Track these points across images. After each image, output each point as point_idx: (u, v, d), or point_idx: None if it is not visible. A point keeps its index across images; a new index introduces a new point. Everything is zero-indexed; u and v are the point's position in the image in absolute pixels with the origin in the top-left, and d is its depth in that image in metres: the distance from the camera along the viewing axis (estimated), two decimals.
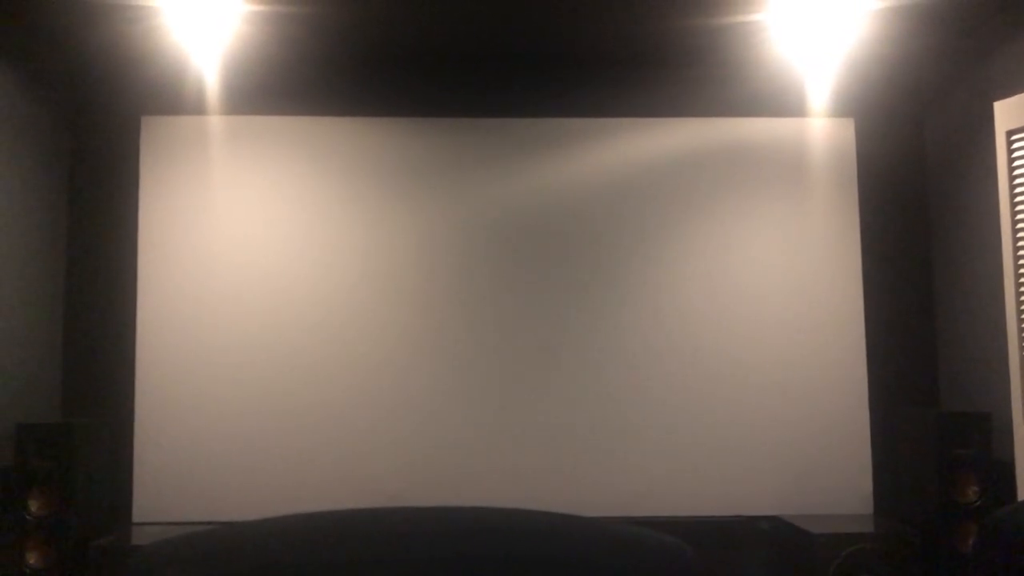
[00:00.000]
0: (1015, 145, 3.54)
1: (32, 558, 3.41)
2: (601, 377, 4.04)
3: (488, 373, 4.03)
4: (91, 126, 4.10)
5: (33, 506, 3.43)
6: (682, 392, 4.04)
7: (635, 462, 4.00)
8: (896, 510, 3.93)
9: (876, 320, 4.12)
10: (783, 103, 4.16)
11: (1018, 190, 3.52)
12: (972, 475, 3.57)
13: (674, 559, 0.94)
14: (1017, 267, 3.51)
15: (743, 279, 4.10)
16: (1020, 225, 3.51)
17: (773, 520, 3.90)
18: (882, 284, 4.15)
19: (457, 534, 0.92)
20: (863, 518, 3.90)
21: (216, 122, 4.09)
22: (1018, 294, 3.50)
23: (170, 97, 4.04)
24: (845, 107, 4.19)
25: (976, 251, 3.80)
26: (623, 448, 4.00)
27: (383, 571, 0.87)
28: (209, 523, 3.75)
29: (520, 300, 4.07)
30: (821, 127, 4.18)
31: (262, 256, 4.03)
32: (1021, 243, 3.51)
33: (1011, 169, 3.56)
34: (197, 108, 4.06)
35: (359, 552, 0.89)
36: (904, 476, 3.90)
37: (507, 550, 0.91)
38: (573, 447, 3.99)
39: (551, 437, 4.00)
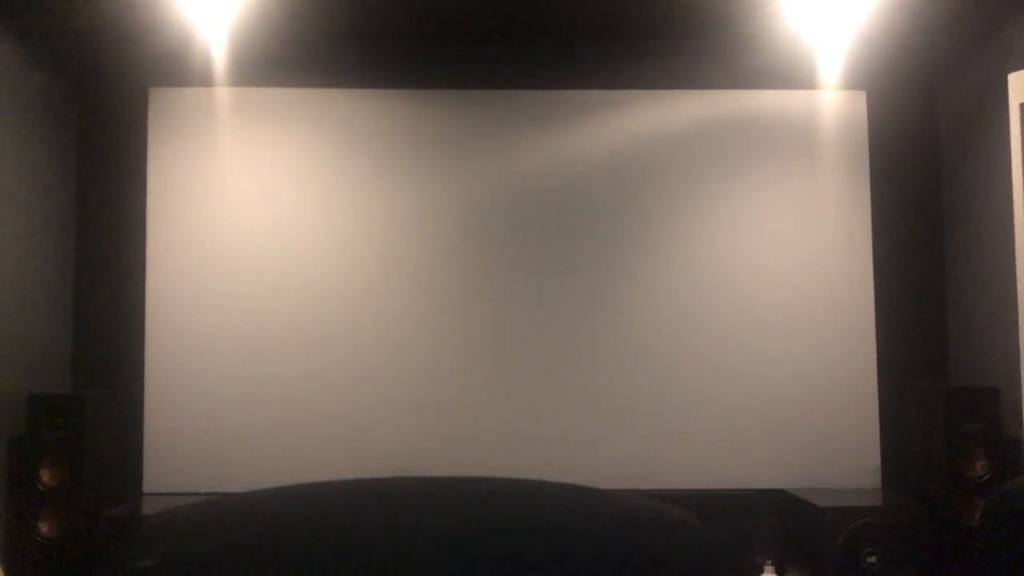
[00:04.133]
0: None
1: (44, 527, 3.45)
2: (609, 350, 4.03)
3: (496, 347, 4.03)
4: (99, 98, 4.09)
5: (44, 476, 3.46)
6: (691, 366, 4.04)
7: (644, 435, 4.00)
8: (904, 484, 3.93)
9: (886, 293, 4.10)
10: (794, 75, 4.12)
11: None
12: (980, 450, 3.57)
13: (683, 530, 0.94)
14: None
15: (752, 252, 4.08)
16: None
17: (781, 494, 3.91)
18: (892, 257, 4.12)
19: (465, 505, 0.93)
20: (871, 492, 3.90)
21: (224, 94, 4.07)
22: None
23: (178, 69, 4.02)
24: (857, 79, 4.14)
25: (988, 225, 3.77)
26: (632, 421, 4.01)
27: (392, 540, 0.87)
28: (219, 494, 3.78)
29: (528, 273, 4.06)
30: (832, 99, 4.14)
31: (270, 228, 4.03)
32: None
33: None
34: (205, 80, 4.05)
35: (367, 521, 0.89)
36: (912, 450, 3.90)
37: (516, 521, 0.91)
38: (582, 420, 4.00)
39: (560, 410, 4.00)
